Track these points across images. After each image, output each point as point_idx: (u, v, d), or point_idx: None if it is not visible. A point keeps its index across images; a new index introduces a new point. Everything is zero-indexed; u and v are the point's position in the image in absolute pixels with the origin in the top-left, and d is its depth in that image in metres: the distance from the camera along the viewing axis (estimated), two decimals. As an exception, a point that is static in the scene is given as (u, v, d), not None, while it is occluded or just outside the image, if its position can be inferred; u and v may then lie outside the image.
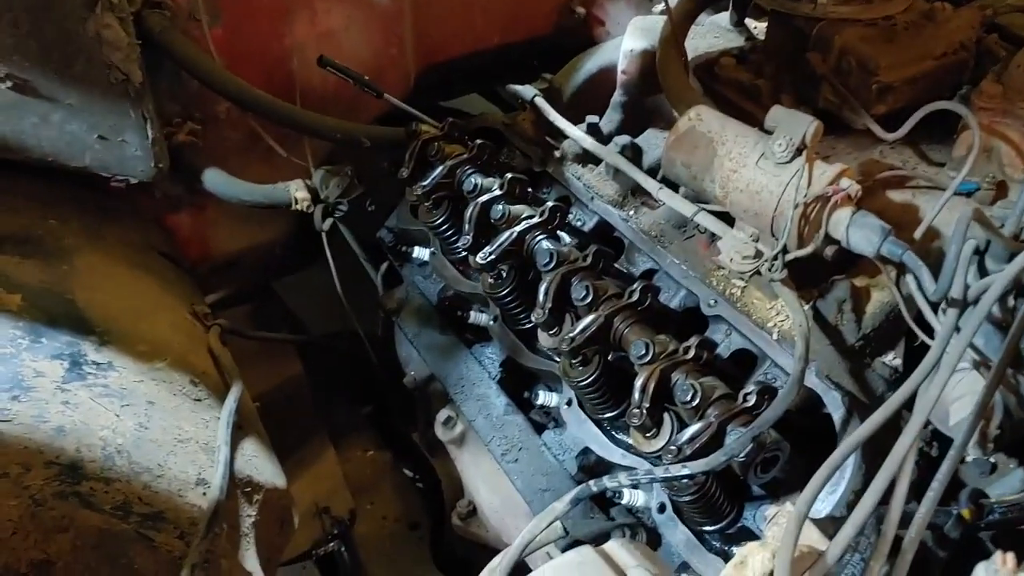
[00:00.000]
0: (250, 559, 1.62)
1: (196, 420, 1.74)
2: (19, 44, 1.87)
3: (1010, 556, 1.01)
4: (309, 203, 2.32)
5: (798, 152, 1.56)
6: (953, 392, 1.47)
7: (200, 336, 2.05)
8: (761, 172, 1.60)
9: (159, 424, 1.65)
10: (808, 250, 1.55)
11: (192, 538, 1.48)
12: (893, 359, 1.64)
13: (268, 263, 2.81)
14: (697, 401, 1.51)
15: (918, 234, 1.56)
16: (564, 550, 1.64)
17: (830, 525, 1.31)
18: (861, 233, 1.50)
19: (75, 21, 1.89)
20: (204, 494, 1.58)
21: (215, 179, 2.30)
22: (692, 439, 1.48)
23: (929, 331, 1.43)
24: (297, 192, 2.31)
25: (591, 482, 1.49)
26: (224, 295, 2.83)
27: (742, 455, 1.43)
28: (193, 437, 1.69)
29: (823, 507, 1.50)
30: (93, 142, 2.06)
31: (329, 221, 2.36)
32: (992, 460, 1.58)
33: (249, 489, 1.72)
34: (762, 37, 2.31)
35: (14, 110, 1.95)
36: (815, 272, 1.67)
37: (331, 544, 2.44)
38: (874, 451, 1.42)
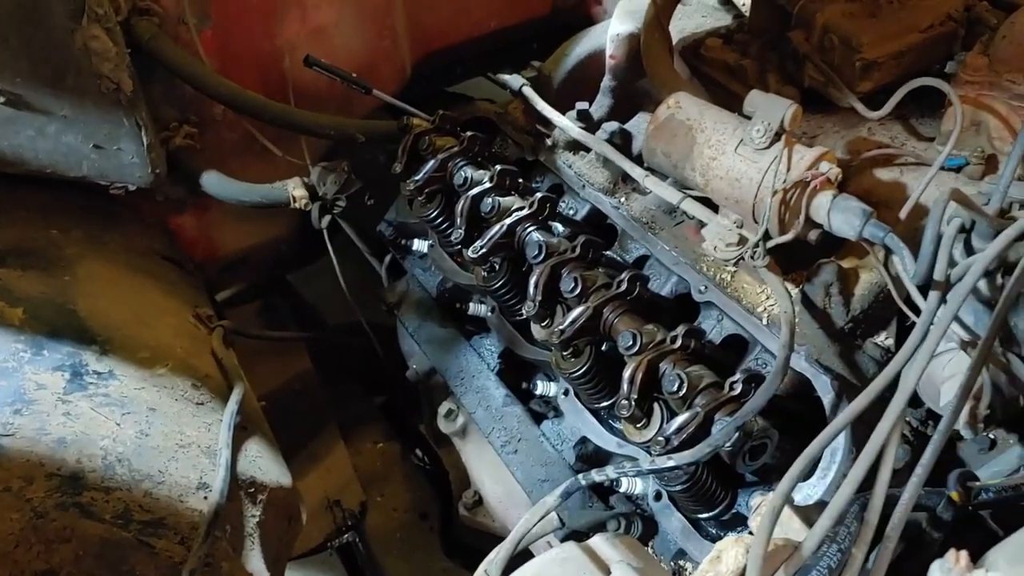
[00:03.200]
0: (254, 559, 1.65)
1: (198, 424, 1.76)
2: (10, 60, 1.90)
3: (963, 555, 1.01)
4: (307, 201, 2.31)
5: (777, 137, 1.55)
6: (944, 372, 1.46)
7: (203, 339, 2.07)
8: (740, 159, 1.59)
9: (160, 430, 1.67)
10: (790, 236, 1.54)
11: (192, 543, 1.50)
12: (885, 339, 1.63)
13: (275, 259, 2.83)
14: (684, 391, 1.51)
15: (903, 214, 1.54)
16: (562, 540, 1.66)
17: (818, 512, 1.31)
18: (842, 216, 1.49)
19: (62, 34, 1.90)
20: (205, 498, 1.60)
21: (213, 181, 2.31)
22: (679, 429, 1.48)
23: (919, 312, 1.42)
24: (295, 190, 2.32)
25: (580, 476, 1.49)
26: (235, 292, 2.87)
27: (728, 444, 1.43)
28: (195, 442, 1.71)
29: (815, 492, 1.50)
30: (89, 152, 2.08)
31: (328, 218, 2.36)
32: (992, 436, 1.57)
33: (253, 490, 1.74)
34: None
35: (10, 124, 1.98)
36: (804, 255, 1.66)
37: (346, 536, 2.48)
38: (866, 433, 1.41)
